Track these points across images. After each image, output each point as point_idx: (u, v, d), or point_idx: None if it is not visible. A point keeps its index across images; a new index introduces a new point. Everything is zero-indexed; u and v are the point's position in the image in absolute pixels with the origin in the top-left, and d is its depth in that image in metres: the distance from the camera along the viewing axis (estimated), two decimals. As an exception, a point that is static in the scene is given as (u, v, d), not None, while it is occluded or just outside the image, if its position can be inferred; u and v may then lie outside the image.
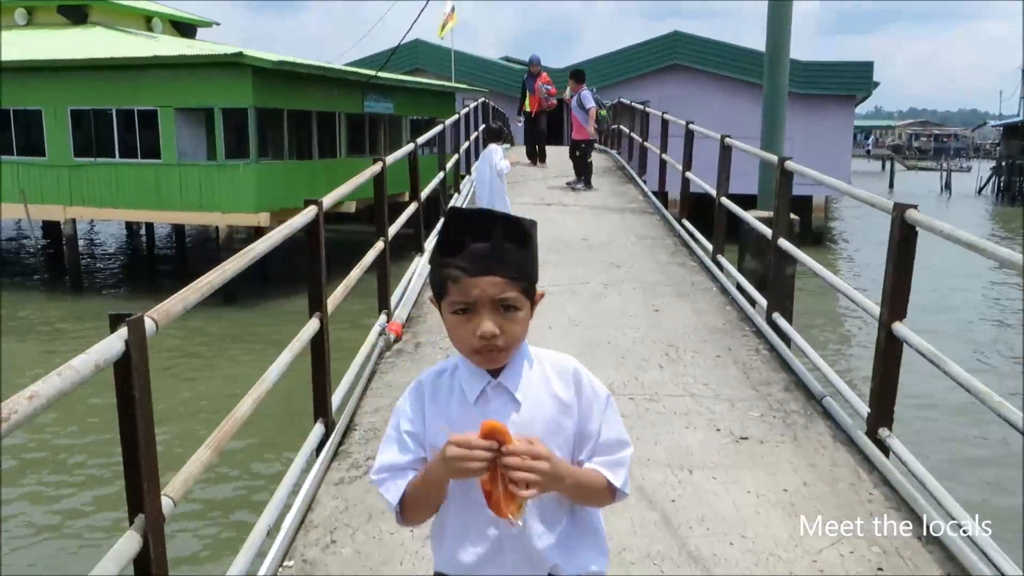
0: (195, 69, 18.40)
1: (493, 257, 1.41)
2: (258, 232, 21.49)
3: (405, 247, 7.25)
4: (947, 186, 56.87)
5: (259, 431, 8.70)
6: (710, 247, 7.70)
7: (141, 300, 18.54)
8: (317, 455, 3.72)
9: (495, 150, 7.85)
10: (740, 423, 4.15)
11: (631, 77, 28.35)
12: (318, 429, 3.87)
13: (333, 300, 4.05)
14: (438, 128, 8.77)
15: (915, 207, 3.64)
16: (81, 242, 23.46)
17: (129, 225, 27.01)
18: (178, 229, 24.62)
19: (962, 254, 3.78)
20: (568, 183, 11.73)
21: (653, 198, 10.86)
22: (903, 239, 3.70)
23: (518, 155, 12.94)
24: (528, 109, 12.14)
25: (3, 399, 1.62)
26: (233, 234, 19.01)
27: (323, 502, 3.39)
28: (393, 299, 5.84)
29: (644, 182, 12.37)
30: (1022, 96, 73.30)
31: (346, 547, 3.08)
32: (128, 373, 2.06)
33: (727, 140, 7.22)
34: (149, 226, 25.14)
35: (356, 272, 4.72)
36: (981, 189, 57.65)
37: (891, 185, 57.57)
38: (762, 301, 6.09)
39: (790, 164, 5.43)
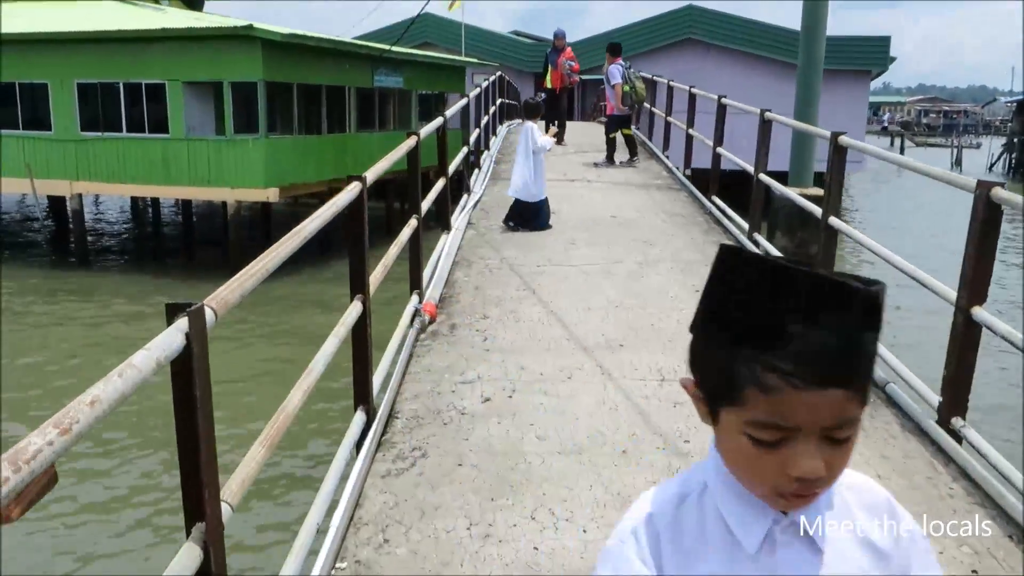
0: (204, 42, 18.09)
1: (843, 358, 0.88)
2: (264, 208, 21.31)
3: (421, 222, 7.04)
4: (957, 162, 56.32)
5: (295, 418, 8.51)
6: (744, 225, 7.46)
7: (150, 277, 18.37)
8: (359, 445, 3.53)
9: (534, 127, 7.57)
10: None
11: (644, 51, 27.91)
12: (359, 418, 3.67)
13: (373, 281, 3.84)
14: (463, 102, 8.51)
15: (1001, 185, 3.41)
16: (88, 215, 23.27)
17: (135, 200, 26.75)
18: (185, 204, 24.42)
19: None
20: (621, 161, 11.51)
21: (679, 174, 10.61)
22: (987, 219, 3.47)
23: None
24: (550, 85, 11.80)
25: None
26: (241, 210, 18.78)
27: (371, 497, 3.19)
28: (423, 278, 5.63)
29: (667, 158, 12.10)
30: (1035, 71, 72.38)
31: (400, 547, 2.88)
32: (189, 370, 1.85)
33: (768, 115, 6.95)
34: (155, 201, 24.91)
35: (394, 251, 4.50)
36: (992, 166, 57.10)
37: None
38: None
39: (844, 139, 5.18)
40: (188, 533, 1.94)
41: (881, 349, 4.49)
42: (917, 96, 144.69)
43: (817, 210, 5.58)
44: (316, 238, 2.92)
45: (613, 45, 11.36)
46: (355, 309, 3.52)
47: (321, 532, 2.90)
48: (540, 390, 4.12)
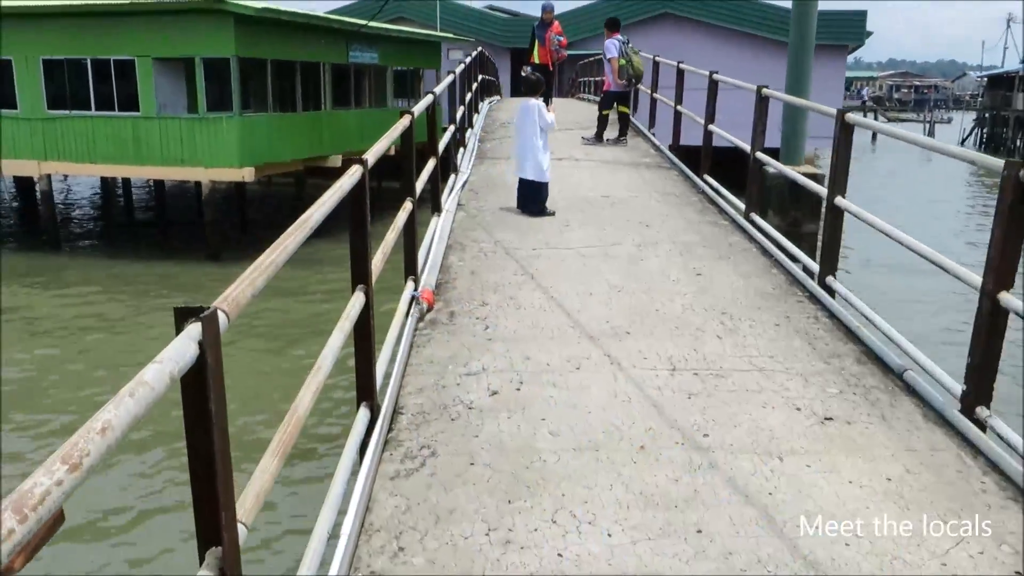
0: (174, 16, 17.59)
1: None
2: (239, 188, 20.85)
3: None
4: (929, 136, 56.76)
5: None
6: (740, 204, 7.32)
7: (125, 260, 17.96)
8: (364, 443, 3.34)
9: (541, 104, 7.34)
10: (820, 401, 3.81)
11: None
12: (363, 415, 3.48)
13: (375, 270, 3.64)
14: (450, 78, 8.26)
15: (1034, 165, 3.27)
16: (58, 198, 22.72)
17: (105, 180, 26.13)
18: (158, 185, 23.89)
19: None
20: (608, 140, 11.28)
21: (668, 152, 10.44)
22: (1015, 200, 3.34)
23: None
24: (537, 61, 11.53)
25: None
26: (215, 190, 18.36)
27: (381, 500, 3.02)
28: (419, 264, 5.43)
29: (653, 135, 11.92)
30: (1006, 46, 73.15)
31: (417, 556, 2.72)
32: (203, 382, 1.66)
33: (765, 91, 6.79)
34: (126, 181, 24.33)
35: (392, 236, 4.29)
36: (963, 140, 57.56)
37: (873, 138, 57.26)
38: (809, 263, 5.75)
39: (851, 117, 5.04)
40: (202, 559, 1.76)
41: (894, 335, 4.39)
42: (888, 71, 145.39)
43: (821, 190, 5.44)
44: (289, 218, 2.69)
45: (611, 20, 11.10)
46: (358, 300, 3.32)
47: (332, 539, 2.73)
48: (549, 382, 3.95)
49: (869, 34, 30.02)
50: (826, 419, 3.64)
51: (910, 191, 30.33)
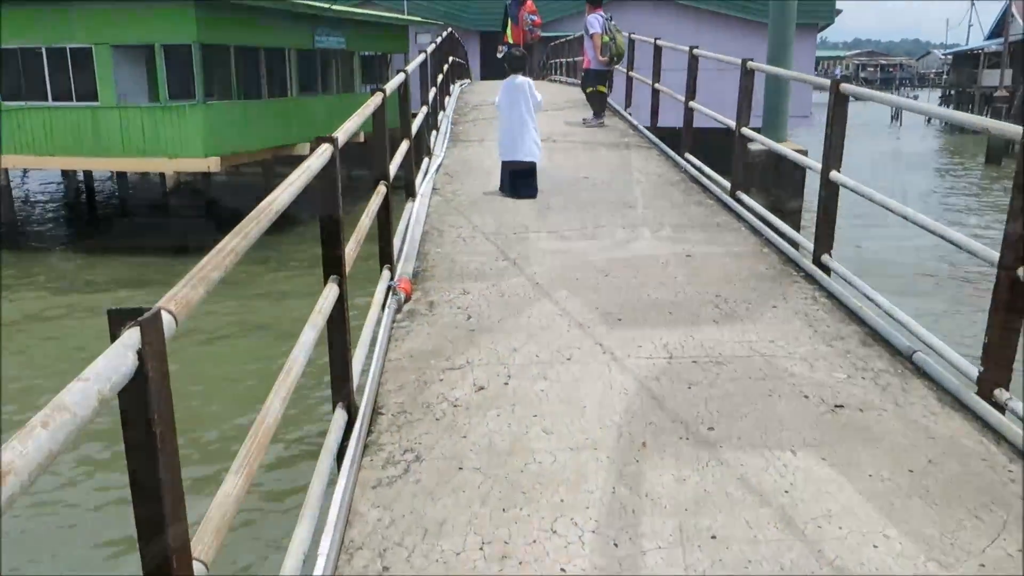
0: (133, 2, 16.97)
1: None
2: (205, 179, 20.32)
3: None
4: (896, 116, 56.99)
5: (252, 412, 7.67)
6: (725, 183, 7.08)
7: (90, 256, 17.41)
8: (342, 448, 3.05)
9: (531, 82, 7.01)
10: (828, 387, 3.58)
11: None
12: (340, 417, 3.20)
13: (349, 260, 3.34)
14: (420, 57, 7.92)
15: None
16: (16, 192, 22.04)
17: (65, 173, 25.42)
18: (120, 177, 23.27)
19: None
20: (585, 119, 10.95)
21: (647, 132, 10.17)
22: (1039, 169, 3.11)
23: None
24: (511, 41, 11.17)
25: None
26: (180, 180, 17.87)
27: (363, 513, 2.73)
28: (394, 251, 5.12)
29: (630, 115, 11.65)
30: (971, 24, 73.70)
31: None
32: (143, 398, 1.36)
33: (750, 64, 6.53)
34: (88, 174, 23.67)
35: (366, 221, 3.99)
36: (930, 119, 57.92)
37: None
38: (803, 242, 5.52)
39: (846, 87, 4.80)
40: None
41: (900, 315, 4.17)
42: (854, 51, 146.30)
43: (814, 164, 5.20)
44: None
45: None
46: (331, 293, 3.02)
47: (309, 559, 2.44)
48: (539, 375, 3.68)
49: (838, 12, 29.96)
50: (836, 407, 3.40)
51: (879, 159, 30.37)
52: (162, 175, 21.09)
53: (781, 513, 2.71)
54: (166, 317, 1.44)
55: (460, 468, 2.98)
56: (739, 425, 3.27)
